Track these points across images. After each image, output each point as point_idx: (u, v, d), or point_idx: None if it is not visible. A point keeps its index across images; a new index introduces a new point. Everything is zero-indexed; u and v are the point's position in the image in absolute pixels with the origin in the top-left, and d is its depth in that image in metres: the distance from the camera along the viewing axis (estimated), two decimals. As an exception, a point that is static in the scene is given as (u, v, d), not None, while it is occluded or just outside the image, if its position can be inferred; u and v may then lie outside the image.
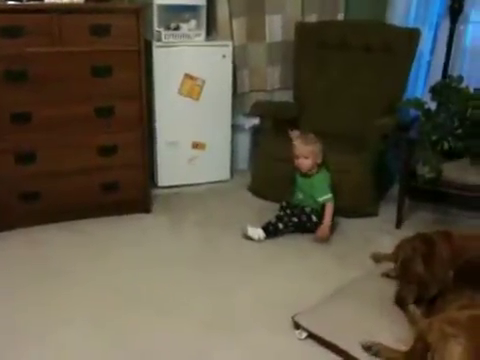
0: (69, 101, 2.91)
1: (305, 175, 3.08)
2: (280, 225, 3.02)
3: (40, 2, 2.83)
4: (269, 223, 3.03)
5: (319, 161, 3.05)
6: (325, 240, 2.97)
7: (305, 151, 3.01)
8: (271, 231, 3.00)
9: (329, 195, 3.03)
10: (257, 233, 2.97)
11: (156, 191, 3.57)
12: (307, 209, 3.06)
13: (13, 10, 2.71)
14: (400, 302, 2.23)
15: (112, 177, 3.14)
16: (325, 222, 2.99)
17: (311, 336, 2.11)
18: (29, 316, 2.27)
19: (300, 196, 3.13)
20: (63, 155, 2.98)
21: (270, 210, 3.33)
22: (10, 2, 2.75)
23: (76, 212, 3.11)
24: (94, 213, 3.15)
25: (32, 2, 2.81)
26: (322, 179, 3.06)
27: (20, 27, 2.71)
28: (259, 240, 2.95)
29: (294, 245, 2.95)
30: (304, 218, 3.05)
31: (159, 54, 3.40)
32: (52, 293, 2.44)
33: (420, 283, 2.19)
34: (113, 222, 3.13)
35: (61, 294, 2.43)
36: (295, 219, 3.05)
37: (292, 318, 2.17)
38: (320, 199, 3.02)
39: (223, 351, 2.06)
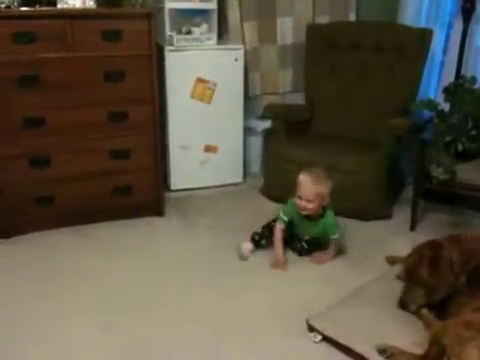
0: (82, 106, 2.93)
1: (307, 217, 2.80)
2: (263, 241, 2.89)
3: (53, 8, 2.85)
4: (255, 233, 2.91)
5: (325, 203, 2.74)
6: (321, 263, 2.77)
7: (311, 193, 2.67)
8: (257, 241, 2.88)
9: (340, 231, 2.83)
10: (245, 247, 2.82)
11: (169, 194, 3.58)
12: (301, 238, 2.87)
13: (26, 16, 2.74)
14: (403, 306, 2.22)
15: (125, 181, 3.16)
16: (329, 252, 2.79)
17: (325, 339, 2.10)
18: (40, 318, 2.29)
19: (299, 231, 2.90)
20: (76, 159, 3.01)
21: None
22: (23, 8, 2.78)
23: (89, 216, 3.13)
24: (107, 216, 3.17)
25: (45, 8, 2.84)
26: (332, 217, 2.78)
27: (33, 33, 2.73)
28: (248, 253, 2.82)
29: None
30: (297, 245, 2.86)
31: (171, 58, 3.41)
32: (64, 296, 2.45)
33: (426, 288, 2.17)
34: (126, 225, 3.15)
35: (73, 297, 2.45)
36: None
37: (306, 321, 2.16)
38: (335, 236, 2.79)
39: (235, 354, 2.06)
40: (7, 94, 2.78)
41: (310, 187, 2.65)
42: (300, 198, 2.70)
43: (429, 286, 2.16)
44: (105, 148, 3.05)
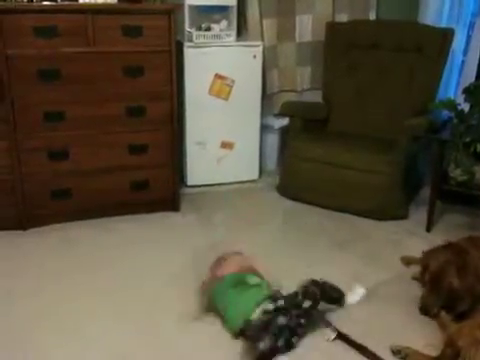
0: (101, 100, 2.96)
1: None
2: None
3: (74, 2, 2.88)
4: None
5: None
6: None
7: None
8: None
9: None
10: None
11: (185, 190, 3.60)
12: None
13: (48, 10, 2.77)
14: (425, 311, 2.20)
15: (142, 176, 3.18)
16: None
17: (340, 337, 2.10)
18: (56, 310, 2.32)
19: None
20: (95, 153, 3.03)
21: (297, 211, 3.34)
22: (45, 2, 2.81)
23: (106, 209, 3.16)
24: (124, 211, 3.19)
25: (66, 2, 2.87)
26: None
27: (54, 27, 2.76)
28: None
29: (322, 248, 2.92)
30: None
31: (190, 54, 3.42)
32: (81, 288, 2.48)
33: (452, 296, 2.14)
34: (142, 220, 3.17)
35: (89, 289, 2.47)
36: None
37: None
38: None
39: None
40: (28, 88, 2.82)
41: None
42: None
43: (457, 296, 2.13)
44: (123, 143, 3.08)
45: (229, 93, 3.56)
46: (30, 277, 2.58)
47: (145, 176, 3.19)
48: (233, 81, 3.54)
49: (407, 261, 2.71)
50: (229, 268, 2.37)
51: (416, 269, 2.49)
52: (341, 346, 2.09)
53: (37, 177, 2.97)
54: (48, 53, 2.81)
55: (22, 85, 2.80)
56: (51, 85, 2.85)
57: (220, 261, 2.43)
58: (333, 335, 2.10)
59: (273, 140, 3.95)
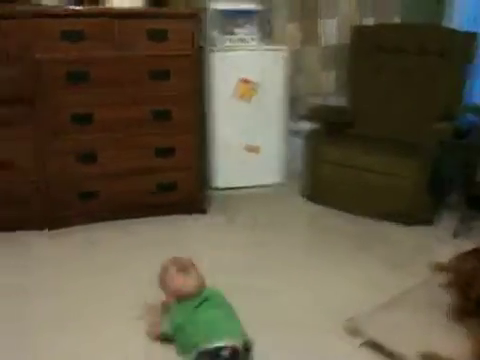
0: (128, 103, 2.99)
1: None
2: None
3: (101, 6, 2.92)
4: None
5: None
6: None
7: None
8: None
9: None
10: None
11: (211, 193, 3.62)
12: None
13: (74, 14, 2.81)
14: (454, 317, 2.16)
15: (169, 178, 3.20)
16: None
17: (366, 342, 2.07)
18: (78, 310, 2.33)
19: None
20: (122, 156, 3.07)
21: (321, 215, 3.33)
22: (72, 7, 2.85)
23: (132, 211, 3.19)
24: (150, 213, 3.22)
25: (93, 6, 2.91)
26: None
27: (81, 31, 2.81)
28: None
29: (345, 252, 2.89)
30: None
31: (215, 58, 3.44)
32: (105, 289, 2.49)
33: None
34: (168, 222, 3.18)
35: (114, 291, 2.48)
36: None
37: (348, 323, 2.14)
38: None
39: (274, 352, 2.03)
40: (56, 91, 2.86)
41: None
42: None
43: None
44: (150, 145, 3.10)
45: (254, 97, 3.56)
46: (50, 277, 2.60)
47: (172, 178, 3.21)
48: (258, 85, 3.54)
49: (434, 267, 2.66)
50: (192, 282, 2.12)
51: (443, 276, 2.45)
52: (367, 350, 2.06)
53: (63, 179, 3.01)
54: (75, 56, 2.85)
55: (50, 88, 2.85)
56: (79, 88, 2.89)
57: (182, 271, 2.15)
58: (360, 339, 2.08)
59: (298, 144, 3.93)
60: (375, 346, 2.05)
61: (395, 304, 2.30)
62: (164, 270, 2.18)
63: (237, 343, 1.89)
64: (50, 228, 3.05)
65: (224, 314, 2.03)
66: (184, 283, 2.11)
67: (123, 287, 2.50)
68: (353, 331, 2.13)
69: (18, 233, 2.99)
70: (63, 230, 3.07)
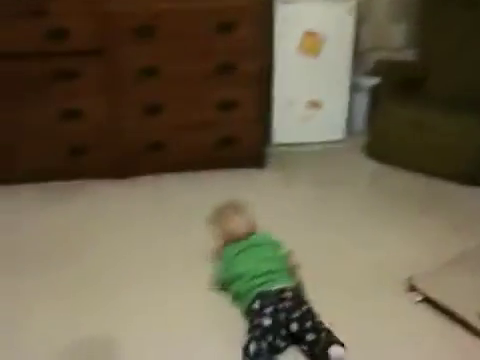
0: (193, 56, 3.01)
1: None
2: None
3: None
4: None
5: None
6: None
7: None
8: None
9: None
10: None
11: (271, 148, 3.63)
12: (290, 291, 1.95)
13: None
14: None
15: (230, 132, 3.23)
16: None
17: (425, 300, 2.08)
18: (148, 254, 2.46)
19: (262, 269, 2.01)
20: (186, 108, 3.12)
21: (383, 174, 3.29)
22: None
23: (195, 163, 3.26)
24: (211, 165, 3.28)
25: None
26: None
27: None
28: None
29: (407, 212, 2.84)
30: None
31: (281, 10, 3.37)
32: (173, 234, 2.60)
33: None
34: (229, 175, 3.24)
35: (180, 236, 2.58)
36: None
37: (408, 280, 2.14)
38: (284, 250, 2.21)
39: (331, 308, 2.01)
40: (124, 44, 2.92)
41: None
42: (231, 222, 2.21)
43: None
44: (213, 99, 3.13)
45: (319, 50, 3.49)
46: (129, 221, 2.75)
47: (233, 132, 3.24)
48: (324, 38, 3.46)
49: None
50: (244, 224, 2.18)
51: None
52: (425, 308, 2.07)
53: (133, 130, 3.11)
54: (143, 10, 2.87)
55: (119, 41, 2.91)
56: (146, 41, 2.92)
57: (235, 213, 2.21)
58: (419, 297, 2.09)
59: (362, 100, 3.85)
60: (433, 304, 2.06)
61: (455, 264, 2.28)
62: (218, 211, 2.24)
63: (288, 286, 1.95)
64: (123, 177, 3.18)
65: (271, 261, 2.06)
66: (236, 225, 2.16)
67: (193, 232, 2.58)
68: (411, 289, 2.13)
69: (87, 182, 3.14)
70: (135, 179, 3.19)
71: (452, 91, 3.31)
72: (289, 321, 1.82)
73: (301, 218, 2.79)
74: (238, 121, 3.22)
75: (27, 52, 2.84)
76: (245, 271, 2.01)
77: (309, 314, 1.85)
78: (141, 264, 2.38)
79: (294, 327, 1.81)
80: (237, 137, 3.26)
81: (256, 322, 1.81)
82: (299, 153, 3.62)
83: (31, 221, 2.74)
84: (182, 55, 3.00)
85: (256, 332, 1.77)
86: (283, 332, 1.81)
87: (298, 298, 1.92)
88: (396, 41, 3.83)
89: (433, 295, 2.05)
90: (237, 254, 2.08)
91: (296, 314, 1.83)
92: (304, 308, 1.87)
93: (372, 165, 3.43)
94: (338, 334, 1.78)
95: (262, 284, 1.94)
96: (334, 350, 1.69)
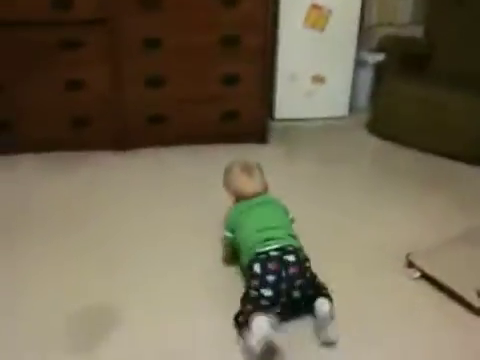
0: (197, 29, 2.98)
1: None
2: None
3: None
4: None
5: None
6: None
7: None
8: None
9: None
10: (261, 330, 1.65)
11: (273, 123, 3.62)
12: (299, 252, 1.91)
13: None
14: None
15: (233, 106, 3.22)
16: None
17: (424, 276, 2.10)
18: (148, 224, 2.47)
19: (267, 224, 1.98)
20: (189, 82, 3.10)
21: (387, 151, 3.28)
22: None
23: (198, 137, 3.26)
24: (213, 140, 3.27)
25: None
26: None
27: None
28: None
29: (411, 190, 2.84)
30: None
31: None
32: (174, 206, 2.61)
33: None
34: (231, 150, 3.22)
35: (181, 208, 2.59)
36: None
37: (407, 257, 2.16)
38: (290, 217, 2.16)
39: (336, 284, 1.99)
40: (129, 14, 2.89)
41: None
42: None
43: None
44: (216, 72, 3.11)
45: (325, 24, 3.46)
46: (128, 194, 2.75)
47: (235, 107, 3.23)
48: (330, 12, 3.42)
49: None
50: (254, 183, 2.12)
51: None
52: (424, 284, 2.09)
53: (135, 102, 3.09)
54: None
55: (123, 11, 2.87)
56: (151, 13, 2.90)
57: (246, 171, 2.15)
58: (417, 274, 2.11)
59: (366, 76, 3.83)
60: (431, 281, 2.07)
61: (455, 241, 2.29)
62: (228, 169, 2.21)
63: (292, 244, 1.91)
64: (123, 149, 3.18)
65: (276, 219, 2.03)
66: (243, 184, 2.12)
67: (196, 207, 2.59)
68: (410, 265, 2.15)
69: (90, 153, 3.14)
70: (135, 151, 3.19)
71: (459, 68, 3.28)
72: (291, 289, 1.81)
73: (303, 195, 2.77)
74: (241, 95, 3.21)
75: (32, 21, 2.81)
76: (250, 224, 1.98)
77: (311, 281, 1.85)
78: (141, 234, 2.39)
79: (296, 294, 1.81)
80: (240, 111, 3.25)
81: (256, 293, 1.79)
82: (302, 129, 3.61)
83: (33, 190, 2.75)
84: (186, 27, 2.97)
85: (256, 304, 1.76)
86: (284, 299, 1.81)
87: (301, 264, 1.85)
88: (403, 17, 3.79)
89: (430, 272, 2.07)
90: (244, 211, 2.05)
91: (299, 282, 1.81)
92: (308, 274, 1.85)
93: (375, 142, 3.43)
94: (338, 310, 1.80)
95: (266, 240, 1.89)
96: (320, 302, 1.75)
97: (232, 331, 1.80)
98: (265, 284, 1.80)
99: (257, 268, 1.84)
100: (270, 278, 1.80)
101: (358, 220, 2.54)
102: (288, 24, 3.43)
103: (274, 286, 1.80)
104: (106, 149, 3.16)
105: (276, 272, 1.81)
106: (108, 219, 2.50)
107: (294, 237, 1.99)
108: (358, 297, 2.02)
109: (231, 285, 2.04)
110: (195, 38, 3.00)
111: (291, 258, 1.84)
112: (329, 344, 1.75)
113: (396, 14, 3.78)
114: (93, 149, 3.15)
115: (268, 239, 1.90)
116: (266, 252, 1.86)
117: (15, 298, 1.97)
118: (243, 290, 1.89)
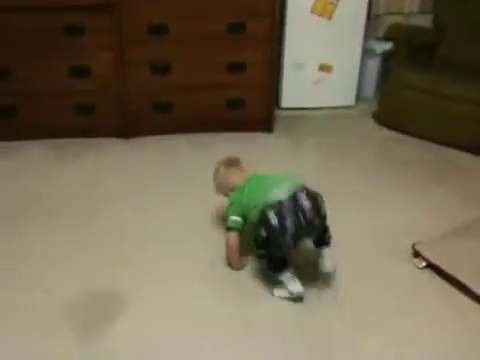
0: (204, 16, 2.96)
1: None
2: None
3: None
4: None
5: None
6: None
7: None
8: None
9: None
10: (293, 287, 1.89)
11: (279, 112, 3.59)
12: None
13: None
14: None
15: (238, 94, 3.20)
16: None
17: (430, 266, 2.08)
18: (156, 213, 2.46)
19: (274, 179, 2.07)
20: (195, 69, 3.08)
21: (393, 141, 3.26)
22: None
23: (203, 125, 3.24)
24: (218, 128, 3.25)
25: None
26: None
27: None
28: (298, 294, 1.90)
29: (416, 180, 2.82)
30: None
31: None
32: (180, 196, 2.60)
33: None
34: (236, 138, 3.21)
35: (187, 198, 2.58)
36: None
37: (412, 246, 2.14)
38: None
39: (340, 273, 2.04)
40: (133, 1, 2.87)
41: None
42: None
43: None
44: (222, 60, 3.09)
45: (333, 12, 3.41)
46: (131, 182, 2.73)
47: (241, 95, 3.21)
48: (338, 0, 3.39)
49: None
50: (238, 177, 2.18)
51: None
52: (429, 274, 2.07)
53: (140, 89, 3.07)
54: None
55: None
56: (157, -1, 2.87)
57: (229, 166, 2.24)
58: (423, 263, 2.09)
59: (373, 65, 3.79)
60: (436, 270, 2.06)
61: (461, 232, 2.27)
62: (215, 172, 2.28)
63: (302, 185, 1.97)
64: (126, 137, 3.16)
65: (278, 176, 2.09)
66: (237, 174, 2.19)
67: (200, 197, 2.57)
68: (416, 255, 2.13)
69: (94, 140, 3.12)
70: (138, 139, 3.17)
71: (466, 58, 3.24)
72: (309, 228, 1.88)
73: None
74: (247, 83, 3.18)
75: (37, 5, 2.78)
76: (256, 189, 2.02)
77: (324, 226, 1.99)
78: (147, 222, 2.38)
79: (314, 237, 1.97)
80: (245, 100, 3.22)
81: (277, 242, 1.84)
82: (308, 118, 3.58)
83: (37, 177, 2.74)
84: (192, 13, 2.94)
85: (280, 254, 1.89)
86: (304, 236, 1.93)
87: (314, 197, 1.93)
88: (411, 6, 3.75)
89: (436, 261, 2.05)
90: (243, 189, 2.07)
91: (316, 222, 1.90)
92: (323, 212, 1.95)
93: (382, 132, 3.40)
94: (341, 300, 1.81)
95: (275, 184, 1.96)
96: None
97: (237, 319, 1.80)
98: (284, 231, 1.83)
99: (274, 220, 1.84)
100: (287, 222, 1.84)
101: (362, 209, 2.53)
102: (295, 12, 3.39)
103: (292, 229, 1.84)
104: (110, 136, 3.14)
105: (290, 211, 1.85)
106: (113, 208, 2.49)
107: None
108: (362, 286, 2.00)
109: (236, 275, 2.04)
110: (201, 25, 2.97)
111: (303, 196, 1.91)
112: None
113: (404, 3, 3.73)
114: (97, 136, 3.14)
115: (280, 183, 1.97)
116: (281, 203, 1.87)
117: (21, 288, 1.96)
118: (249, 278, 1.94)
